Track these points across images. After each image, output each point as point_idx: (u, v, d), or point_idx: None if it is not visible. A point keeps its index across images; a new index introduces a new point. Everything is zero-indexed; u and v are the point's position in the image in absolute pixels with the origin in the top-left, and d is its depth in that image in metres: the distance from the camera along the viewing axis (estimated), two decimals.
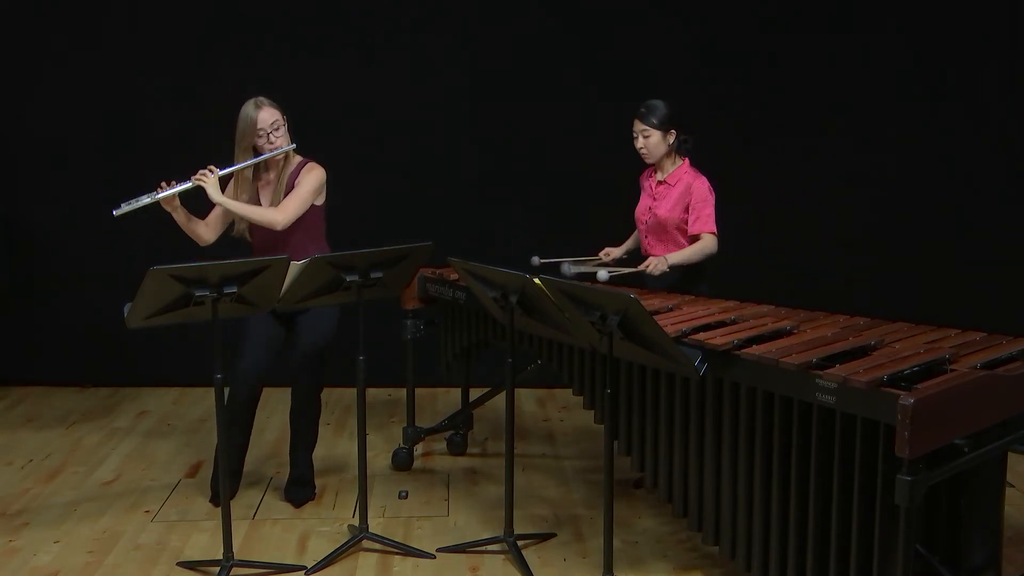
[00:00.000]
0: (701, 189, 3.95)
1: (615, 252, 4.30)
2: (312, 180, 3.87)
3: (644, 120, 3.99)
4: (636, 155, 5.65)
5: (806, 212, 5.58)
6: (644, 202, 4.15)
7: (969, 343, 3.03)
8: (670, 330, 3.17)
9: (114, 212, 3.58)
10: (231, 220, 3.91)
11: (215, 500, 3.96)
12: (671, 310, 3.61)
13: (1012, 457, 3.02)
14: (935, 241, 5.58)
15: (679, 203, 3.99)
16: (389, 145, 5.54)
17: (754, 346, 3.00)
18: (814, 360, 2.81)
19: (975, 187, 5.58)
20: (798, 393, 2.81)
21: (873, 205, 5.58)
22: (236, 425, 3.91)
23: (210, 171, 3.70)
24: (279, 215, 3.77)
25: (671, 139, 3.99)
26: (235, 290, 3.21)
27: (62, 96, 5.49)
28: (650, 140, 3.98)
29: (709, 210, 3.94)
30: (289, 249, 3.79)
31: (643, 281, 4.02)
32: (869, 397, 2.60)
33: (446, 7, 5.50)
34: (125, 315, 3.17)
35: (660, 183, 4.07)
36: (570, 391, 3.80)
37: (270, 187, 3.90)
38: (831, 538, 2.79)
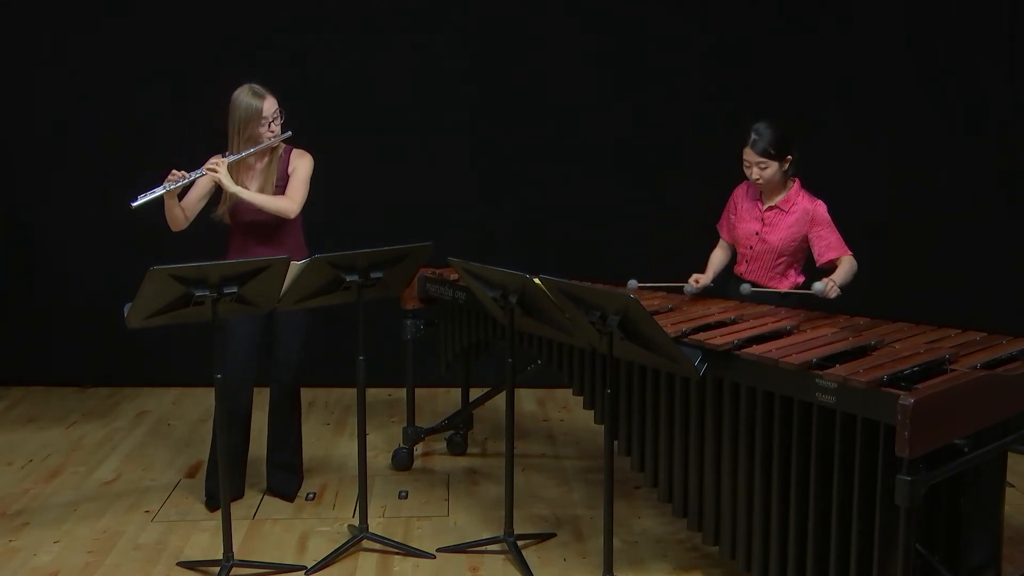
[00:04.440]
0: (824, 214, 3.75)
1: (704, 279, 3.94)
2: (307, 166, 3.90)
3: (757, 150, 3.69)
4: (636, 156, 5.66)
5: None
6: (750, 225, 3.88)
7: (969, 343, 3.04)
8: (670, 330, 3.17)
9: (132, 204, 3.60)
10: (203, 206, 3.90)
11: (211, 504, 3.96)
12: (671, 310, 3.62)
13: (1012, 457, 3.02)
14: (935, 241, 5.58)
15: (795, 230, 3.78)
16: (390, 145, 5.53)
17: (754, 346, 3.00)
18: (814, 360, 2.81)
19: (975, 187, 5.58)
20: (798, 393, 2.82)
21: (872, 205, 5.57)
22: (238, 432, 3.93)
23: (220, 162, 3.72)
24: (291, 203, 3.80)
25: (787, 166, 3.74)
26: (235, 290, 3.21)
27: (62, 96, 5.49)
28: (767, 171, 3.71)
29: (836, 233, 3.77)
30: (269, 231, 3.84)
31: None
32: (869, 397, 2.60)
33: (449, 7, 5.50)
34: (125, 315, 3.17)
35: (772, 208, 3.82)
36: (570, 391, 3.80)
37: (258, 175, 3.88)
38: (831, 538, 2.79)
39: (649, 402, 3.37)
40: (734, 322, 3.35)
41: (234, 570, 3.38)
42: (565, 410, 5.35)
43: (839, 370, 2.71)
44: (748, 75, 5.51)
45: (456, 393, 4.96)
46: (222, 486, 3.38)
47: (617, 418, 3.47)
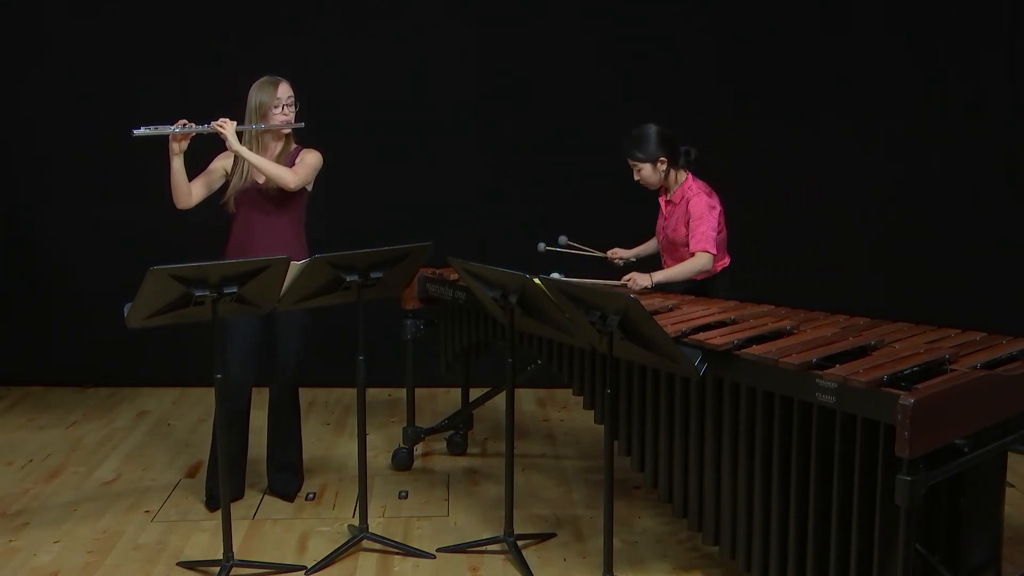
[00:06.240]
0: (697, 206, 3.93)
1: (624, 254, 4.32)
2: (315, 157, 3.91)
3: (630, 156, 3.99)
4: None
5: (806, 212, 5.58)
6: (659, 221, 4.17)
7: (969, 343, 3.03)
8: (670, 330, 3.17)
9: (133, 131, 3.62)
10: (212, 192, 3.92)
11: (211, 504, 3.96)
12: (671, 310, 3.61)
13: (1012, 457, 3.02)
14: (936, 241, 5.58)
15: (682, 221, 3.99)
16: (390, 145, 5.53)
17: (754, 346, 3.00)
18: (814, 360, 2.81)
19: (975, 187, 5.59)
20: (798, 393, 2.81)
21: (873, 205, 5.58)
22: (237, 432, 3.93)
23: (228, 121, 3.73)
24: (292, 174, 3.80)
25: (663, 166, 3.99)
26: (235, 290, 3.21)
27: (62, 95, 5.49)
28: (643, 173, 4.01)
29: (704, 228, 3.89)
30: (271, 225, 3.85)
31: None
32: (869, 397, 2.60)
33: (450, 6, 5.50)
34: (125, 315, 3.17)
35: (668, 202, 4.09)
36: (570, 391, 3.80)
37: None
38: (831, 538, 2.79)
39: (649, 402, 3.37)
40: (734, 322, 3.35)
41: (234, 570, 3.38)
42: (565, 410, 5.35)
43: (839, 370, 2.71)
44: (748, 75, 5.51)
45: (456, 393, 4.96)
46: (222, 486, 3.38)
47: (617, 418, 3.47)
